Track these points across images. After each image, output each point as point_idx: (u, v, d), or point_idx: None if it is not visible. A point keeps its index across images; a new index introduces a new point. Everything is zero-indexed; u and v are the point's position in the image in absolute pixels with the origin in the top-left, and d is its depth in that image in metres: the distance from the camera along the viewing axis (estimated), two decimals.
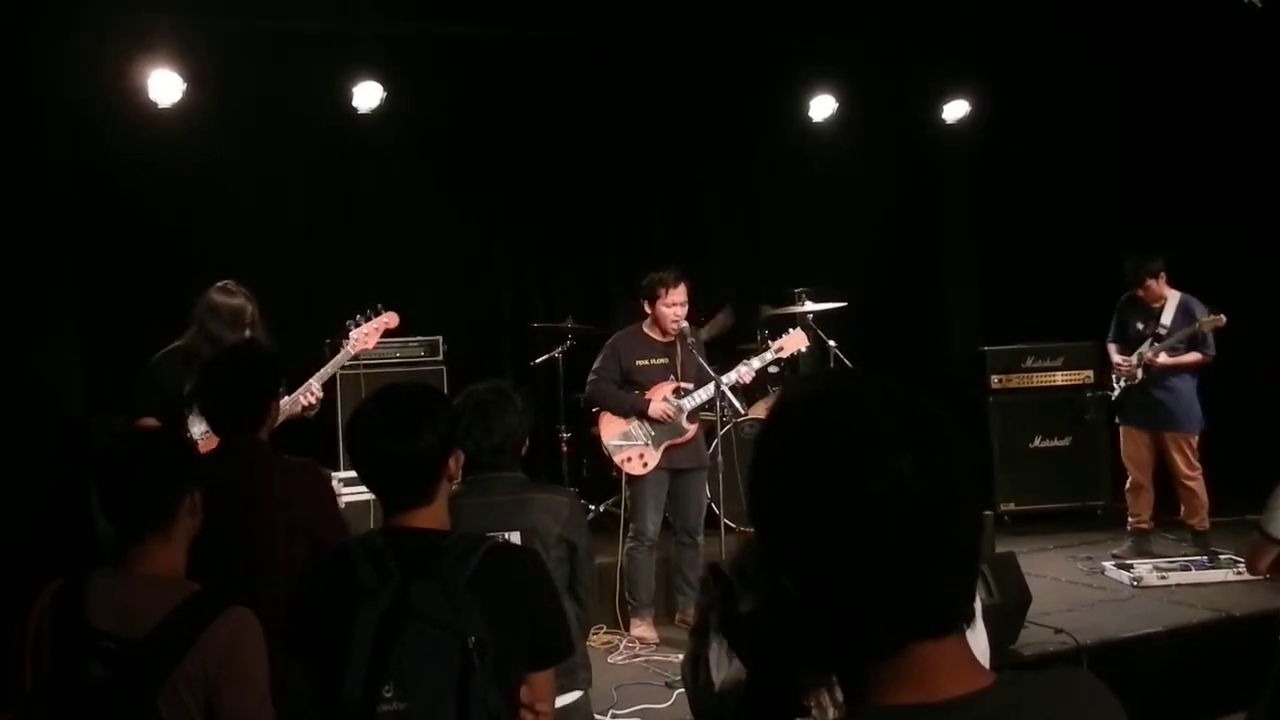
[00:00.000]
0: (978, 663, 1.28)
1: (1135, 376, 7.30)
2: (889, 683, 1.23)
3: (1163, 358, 7.18)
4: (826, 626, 1.27)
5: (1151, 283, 7.22)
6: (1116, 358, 7.47)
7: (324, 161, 8.25)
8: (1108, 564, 7.15)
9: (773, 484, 1.28)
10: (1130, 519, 7.52)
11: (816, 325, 7.60)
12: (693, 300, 6.45)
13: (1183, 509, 7.40)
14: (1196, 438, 7.26)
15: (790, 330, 6.74)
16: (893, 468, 1.19)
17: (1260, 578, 4.70)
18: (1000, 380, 8.49)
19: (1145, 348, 7.25)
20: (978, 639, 2.05)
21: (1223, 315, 7.04)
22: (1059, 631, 5.80)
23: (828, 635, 1.28)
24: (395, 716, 2.30)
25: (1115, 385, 7.49)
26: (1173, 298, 7.26)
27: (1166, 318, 7.24)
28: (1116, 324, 7.58)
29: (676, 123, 8.73)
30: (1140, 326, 7.37)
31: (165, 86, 7.02)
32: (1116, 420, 7.58)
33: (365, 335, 5.55)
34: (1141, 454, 7.41)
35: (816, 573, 1.24)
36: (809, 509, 1.23)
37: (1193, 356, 7.19)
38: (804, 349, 6.75)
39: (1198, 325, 7.08)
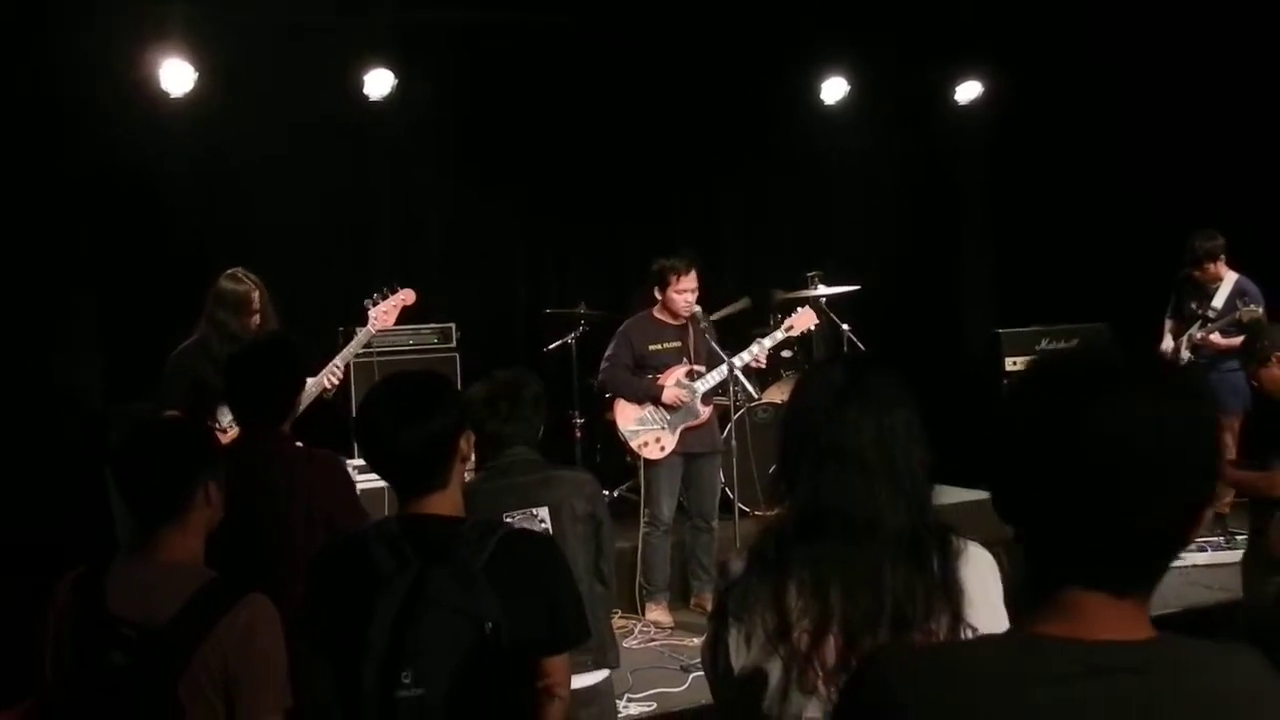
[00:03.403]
0: (1147, 621, 1.32)
1: (1181, 359, 7.27)
2: (1050, 617, 1.30)
3: (1215, 338, 7.14)
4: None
5: (1210, 265, 7.16)
6: (1168, 339, 7.43)
7: (336, 150, 8.23)
8: None
9: (1013, 418, 1.34)
10: None
11: (830, 309, 7.59)
12: (703, 285, 6.44)
13: None
14: (1240, 421, 7.23)
15: (799, 309, 6.74)
16: (1090, 424, 1.26)
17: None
18: (1015, 363, 8.46)
19: (1195, 329, 7.23)
20: (999, 622, 2.05)
21: (1258, 308, 7.00)
22: None
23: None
24: (413, 702, 2.31)
25: None
26: (1228, 279, 7.21)
27: (1219, 300, 7.20)
28: (1174, 301, 7.54)
29: (689, 107, 8.69)
30: (1194, 306, 7.36)
31: (177, 76, 7.03)
32: None
33: (384, 313, 5.62)
34: None
35: (1032, 510, 1.33)
36: (1035, 446, 1.30)
37: (1241, 339, 7.15)
38: (814, 327, 6.75)
39: (1237, 314, 7.05)
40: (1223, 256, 7.17)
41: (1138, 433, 1.26)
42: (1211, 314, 7.18)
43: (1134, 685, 1.25)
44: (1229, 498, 7.30)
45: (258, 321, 5.18)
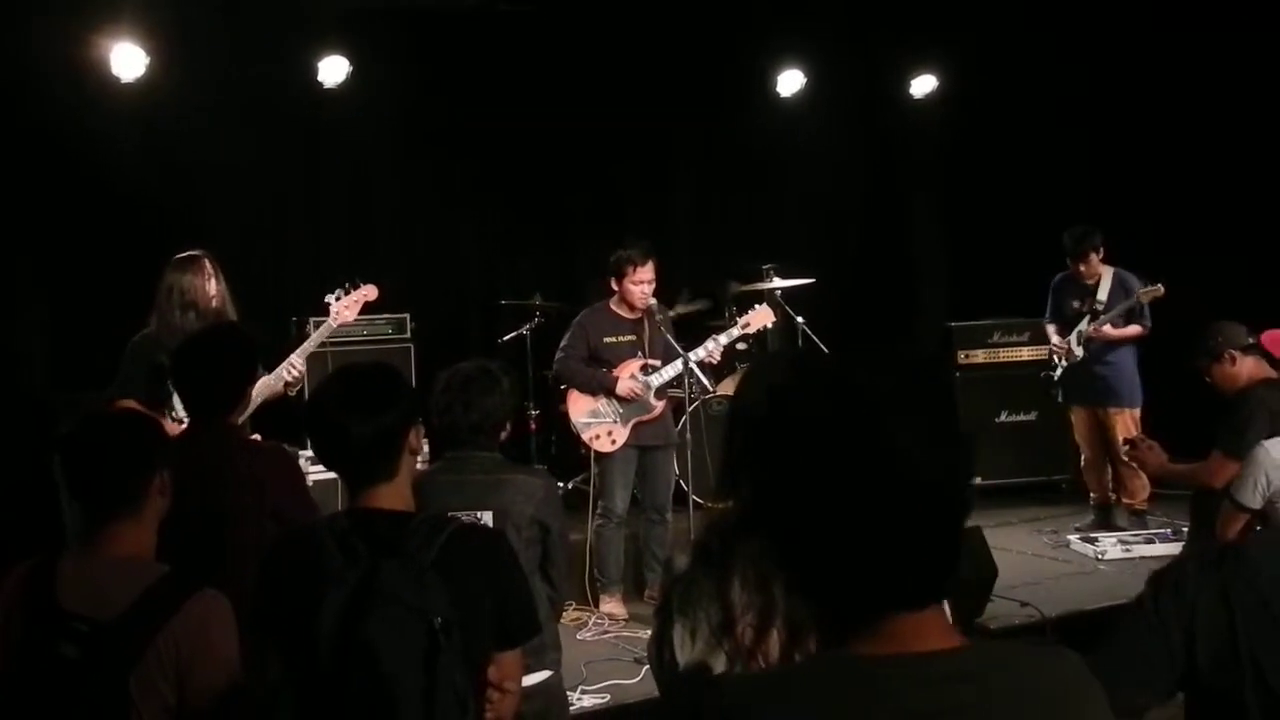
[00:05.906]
0: (953, 629, 1.34)
1: (1075, 356, 7.35)
2: (865, 638, 1.30)
3: (1108, 329, 7.24)
4: (812, 594, 1.36)
5: (1093, 257, 7.28)
6: (1055, 339, 7.53)
7: (290, 136, 8.17)
8: (1072, 537, 7.22)
9: (775, 452, 1.34)
10: (1092, 495, 7.60)
11: (784, 302, 7.61)
12: (660, 277, 6.44)
13: (1123, 487, 7.42)
14: (1139, 412, 7.31)
15: (756, 306, 6.76)
16: (885, 444, 1.26)
17: None
18: (966, 355, 8.54)
19: (1084, 325, 7.31)
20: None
21: (1160, 285, 7.07)
22: (1025, 605, 5.87)
23: (814, 601, 1.36)
24: (363, 697, 2.31)
25: (1057, 365, 7.54)
26: (1107, 273, 7.32)
27: (1103, 294, 7.30)
28: (1053, 304, 7.65)
29: (645, 97, 8.69)
30: (1076, 305, 7.43)
31: (128, 60, 6.95)
32: (1059, 400, 7.64)
33: (346, 307, 5.55)
34: (1090, 432, 7.47)
35: (808, 544, 1.31)
36: (805, 480, 1.29)
37: (1133, 329, 7.26)
38: (770, 325, 6.77)
39: (1136, 297, 7.14)
40: (1101, 250, 7.28)
41: (907, 467, 1.28)
42: (1100, 307, 7.28)
43: (967, 692, 1.27)
44: (1146, 494, 7.37)
45: (214, 289, 5.07)
